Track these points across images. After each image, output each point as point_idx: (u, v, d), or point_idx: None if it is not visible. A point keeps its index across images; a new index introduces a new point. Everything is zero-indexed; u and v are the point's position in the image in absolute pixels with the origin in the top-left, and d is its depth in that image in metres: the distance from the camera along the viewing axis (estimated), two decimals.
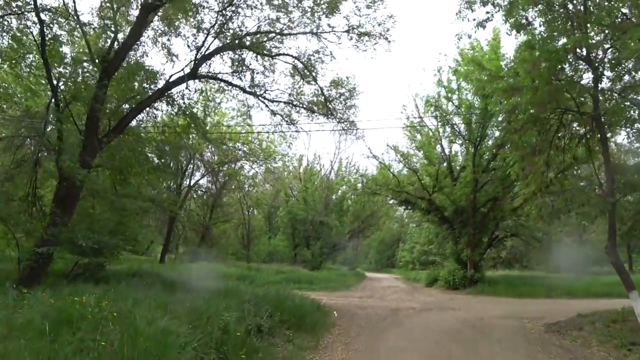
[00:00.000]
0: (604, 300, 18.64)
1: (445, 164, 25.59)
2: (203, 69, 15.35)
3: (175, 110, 14.35)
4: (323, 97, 18.28)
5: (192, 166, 34.33)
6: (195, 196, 38.79)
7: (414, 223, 55.61)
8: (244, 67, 15.96)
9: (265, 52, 15.99)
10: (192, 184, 34.93)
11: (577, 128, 13.37)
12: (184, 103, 14.63)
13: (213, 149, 34.78)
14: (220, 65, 16.30)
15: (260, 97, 17.81)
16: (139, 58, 14.76)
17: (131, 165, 14.79)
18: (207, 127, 20.43)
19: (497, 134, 23.15)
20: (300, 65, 17.57)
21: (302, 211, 39.63)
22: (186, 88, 14.98)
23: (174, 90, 14.89)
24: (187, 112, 14.30)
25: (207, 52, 14.92)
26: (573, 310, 13.76)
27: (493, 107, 18.76)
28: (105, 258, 12.56)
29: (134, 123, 14.56)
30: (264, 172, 38.38)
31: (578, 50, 11.05)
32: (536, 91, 10.76)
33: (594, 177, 12.89)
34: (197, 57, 14.65)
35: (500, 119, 16.92)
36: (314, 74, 17.79)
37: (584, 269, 32.95)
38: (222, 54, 15.37)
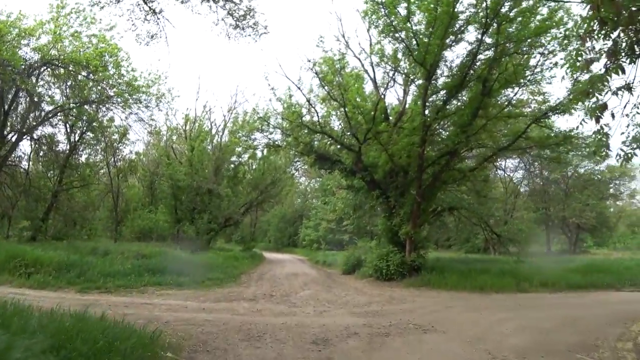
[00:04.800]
0: (597, 294, 14.94)
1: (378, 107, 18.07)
2: None
3: None
4: None
5: (21, 103, 23.96)
6: (40, 152, 28.14)
7: (319, 196, 49.11)
8: None
9: None
10: (22, 127, 24.28)
11: None
12: None
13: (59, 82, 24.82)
14: None
15: None
16: None
17: None
18: None
19: (457, 60, 16.28)
20: None
21: (186, 176, 30.62)
22: None
23: None
24: None
25: None
26: (597, 318, 9.82)
27: None
28: None
29: None
30: (135, 122, 28.78)
31: None
32: None
33: None
34: None
35: None
36: None
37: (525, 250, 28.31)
38: None
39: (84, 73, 22.08)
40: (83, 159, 31.18)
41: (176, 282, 14.36)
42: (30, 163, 29.14)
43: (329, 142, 19.13)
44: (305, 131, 18.35)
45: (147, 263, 16.59)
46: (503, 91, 16.57)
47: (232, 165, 35.50)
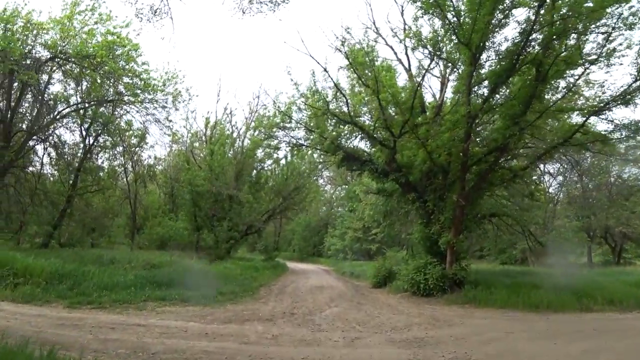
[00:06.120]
0: None
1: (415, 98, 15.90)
2: None
3: None
4: None
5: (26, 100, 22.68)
6: (53, 153, 26.78)
7: (345, 204, 47.11)
8: None
9: None
10: (32, 128, 22.85)
11: None
12: None
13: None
14: None
15: None
16: None
17: None
18: None
19: (505, 44, 14.10)
20: None
21: (206, 181, 28.94)
22: None
23: None
24: None
25: None
26: None
27: None
28: None
29: None
30: (152, 124, 27.32)
31: None
32: None
33: None
34: None
35: None
36: None
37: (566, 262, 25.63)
38: None
39: (100, 71, 20.54)
40: (99, 162, 29.85)
41: (182, 297, 12.48)
42: (48, 166, 27.95)
43: (358, 137, 17.09)
44: (333, 122, 16.34)
45: (154, 274, 14.79)
46: (558, 79, 14.32)
47: (254, 171, 33.83)
